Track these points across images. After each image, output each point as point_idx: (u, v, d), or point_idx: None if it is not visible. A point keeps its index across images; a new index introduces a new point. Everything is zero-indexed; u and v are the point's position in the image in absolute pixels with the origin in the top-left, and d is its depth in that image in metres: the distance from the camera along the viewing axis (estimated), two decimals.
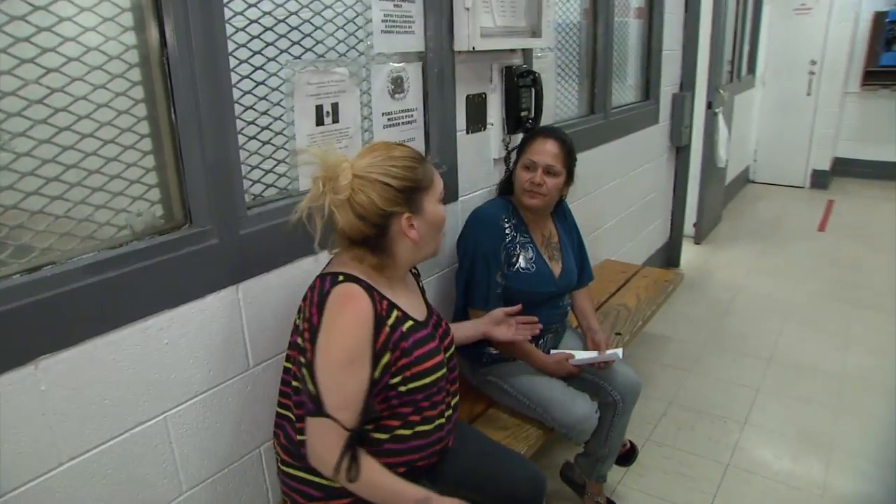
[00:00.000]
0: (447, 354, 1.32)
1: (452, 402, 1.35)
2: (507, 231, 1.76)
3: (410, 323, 1.21)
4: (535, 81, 2.00)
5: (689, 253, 4.31)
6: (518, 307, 1.58)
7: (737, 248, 4.49)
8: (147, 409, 1.16)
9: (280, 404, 1.26)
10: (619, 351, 1.80)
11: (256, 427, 1.39)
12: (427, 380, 1.21)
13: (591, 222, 2.92)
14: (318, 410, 1.08)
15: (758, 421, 2.45)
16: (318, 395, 1.08)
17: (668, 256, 4.11)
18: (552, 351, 1.87)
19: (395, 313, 1.18)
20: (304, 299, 1.17)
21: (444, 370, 1.27)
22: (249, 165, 1.37)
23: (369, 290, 1.15)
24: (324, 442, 1.10)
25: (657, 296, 2.64)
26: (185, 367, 1.21)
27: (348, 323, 1.10)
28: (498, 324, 1.58)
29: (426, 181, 1.18)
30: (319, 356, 1.09)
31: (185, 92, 1.14)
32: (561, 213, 1.96)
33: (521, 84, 2.00)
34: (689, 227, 4.40)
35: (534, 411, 1.74)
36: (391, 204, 1.13)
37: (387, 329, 1.15)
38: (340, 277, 1.14)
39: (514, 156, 1.89)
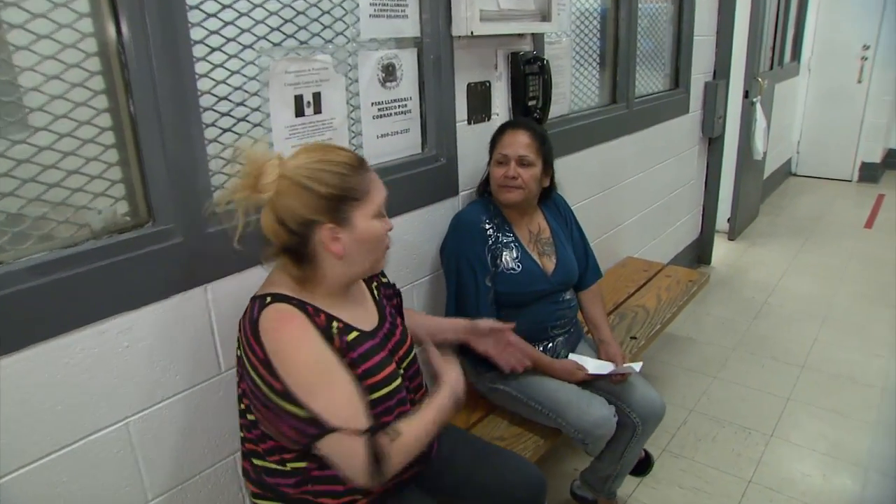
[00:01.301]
0: (405, 363, 1.23)
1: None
2: (488, 233, 1.66)
3: (355, 334, 1.12)
4: (543, 69, 1.88)
5: (722, 249, 4.10)
6: (510, 325, 1.46)
7: (774, 245, 4.25)
8: (106, 414, 1.11)
9: (244, 438, 1.17)
10: (638, 365, 1.68)
11: (230, 433, 1.33)
12: (381, 392, 1.13)
13: (612, 218, 2.78)
14: (322, 429, 1.00)
15: (786, 434, 2.28)
16: (313, 416, 1.00)
17: (699, 253, 3.91)
18: (570, 356, 1.77)
19: (334, 325, 1.10)
20: (240, 327, 1.08)
21: (399, 381, 1.18)
22: (224, 159, 1.30)
23: (301, 305, 1.07)
24: (349, 457, 1.00)
25: (679, 297, 2.49)
26: (148, 370, 1.16)
27: (295, 339, 1.03)
28: (482, 335, 1.45)
29: (359, 192, 1.06)
30: (289, 382, 1.00)
31: (142, 83, 1.07)
32: (552, 205, 1.85)
33: (528, 71, 1.88)
34: (722, 223, 4.19)
35: (546, 416, 1.64)
36: (313, 211, 1.03)
37: (335, 336, 1.08)
38: (268, 299, 1.06)
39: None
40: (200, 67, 1.22)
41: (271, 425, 1.06)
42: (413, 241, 1.71)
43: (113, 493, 1.14)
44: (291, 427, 1.01)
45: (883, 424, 2.32)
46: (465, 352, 1.80)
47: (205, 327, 1.24)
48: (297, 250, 1.07)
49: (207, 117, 1.25)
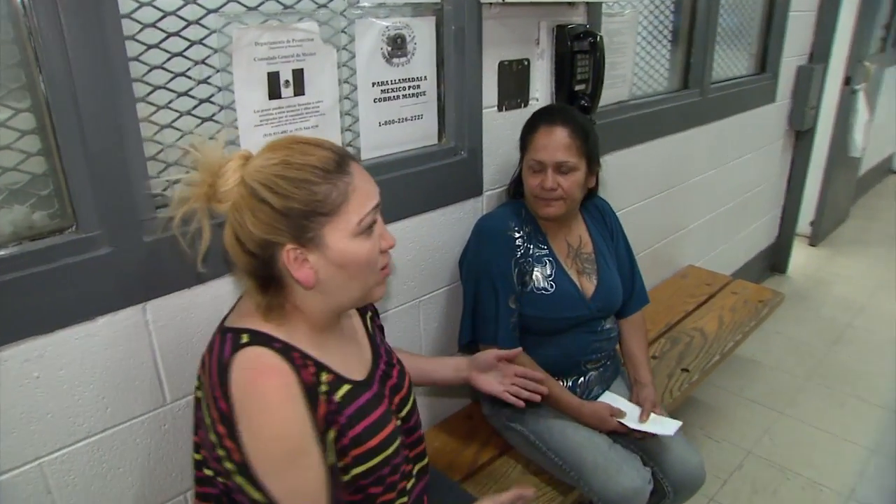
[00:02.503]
0: (404, 411, 0.98)
1: (415, 470, 1.02)
2: (517, 243, 1.37)
3: (346, 388, 0.87)
4: (595, 46, 1.54)
5: (801, 257, 3.62)
6: (516, 351, 1.17)
7: (864, 255, 3.72)
8: (11, 455, 0.93)
9: (199, 493, 0.93)
10: (675, 425, 1.37)
11: (180, 470, 1.13)
12: (375, 461, 0.88)
13: (674, 221, 2.42)
14: None
15: (869, 498, 1.91)
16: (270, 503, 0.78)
17: (774, 260, 3.46)
18: (601, 398, 1.48)
19: (323, 377, 0.85)
20: (203, 363, 0.85)
21: (398, 442, 0.93)
22: (182, 149, 1.08)
23: (287, 351, 0.82)
24: None
25: (746, 321, 2.13)
26: (67, 403, 0.96)
27: (272, 404, 0.78)
28: (485, 370, 1.18)
29: (329, 204, 0.79)
30: (253, 457, 0.76)
31: (51, 55, 0.85)
32: (595, 211, 1.54)
33: (576, 49, 1.55)
34: (803, 226, 3.70)
35: (566, 474, 1.37)
36: (269, 230, 0.78)
37: (322, 399, 0.83)
38: (244, 337, 0.81)
39: None
40: (150, 36, 0.99)
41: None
42: (420, 249, 1.45)
43: None
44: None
45: None
46: None
47: (144, 352, 1.03)
48: (261, 277, 0.83)
49: (161, 97, 1.02)
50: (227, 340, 0.81)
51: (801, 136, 3.20)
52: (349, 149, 1.28)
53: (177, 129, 1.05)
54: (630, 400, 1.47)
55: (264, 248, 0.79)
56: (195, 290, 1.06)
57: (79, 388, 0.97)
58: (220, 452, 0.78)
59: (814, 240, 3.82)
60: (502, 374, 1.20)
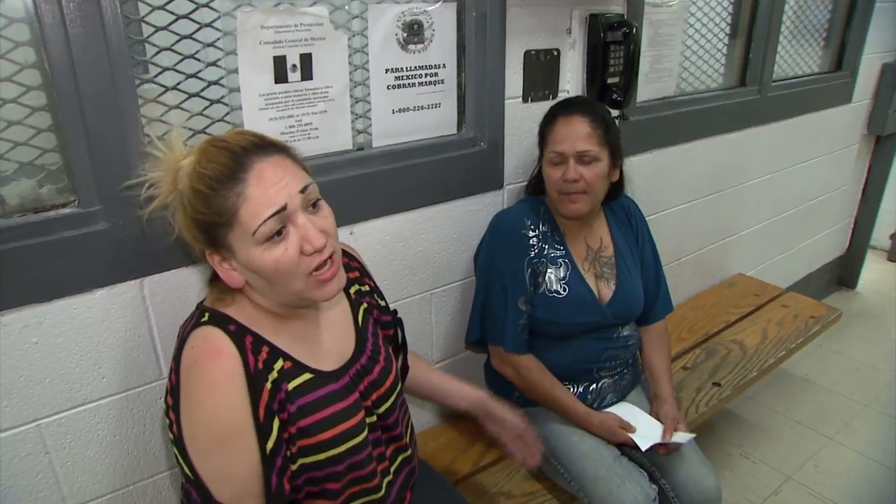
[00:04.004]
0: (382, 408, 0.96)
1: (393, 467, 1.00)
2: (531, 242, 1.32)
3: (305, 378, 0.86)
4: (629, 37, 1.46)
5: (875, 272, 3.33)
6: (527, 428, 1.17)
7: None
8: (10, 415, 0.98)
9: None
10: (687, 436, 1.30)
11: None
12: (326, 454, 0.87)
13: (722, 226, 2.28)
14: (207, 500, 0.79)
15: None
16: (199, 482, 0.78)
17: (841, 274, 3.20)
18: (610, 408, 1.41)
19: (279, 365, 0.84)
20: (178, 335, 0.87)
21: (360, 438, 0.90)
22: (191, 130, 1.10)
23: (241, 334, 0.82)
24: None
25: (792, 336, 1.97)
26: (64, 370, 1.00)
27: (210, 387, 0.78)
28: (493, 419, 1.17)
29: (225, 215, 0.76)
30: (186, 432, 0.78)
31: (53, 36, 0.88)
32: (620, 212, 1.46)
33: (610, 39, 1.47)
34: (881, 239, 3.41)
35: (567, 483, 1.32)
36: (189, 235, 0.81)
37: (268, 386, 0.82)
38: (205, 316, 0.83)
39: None
40: (160, 18, 1.01)
41: None
42: (433, 240, 1.42)
43: (24, 497, 1.02)
44: (182, 476, 0.81)
45: None
46: (490, 378, 1.51)
47: (141, 326, 1.06)
48: (209, 267, 0.85)
49: (169, 79, 1.05)
50: (194, 317, 0.84)
51: (881, 142, 2.94)
52: (361, 136, 1.27)
53: (185, 110, 1.07)
54: (649, 414, 1.40)
55: (194, 248, 0.82)
56: (192, 269, 1.08)
57: (76, 357, 1.01)
58: (166, 421, 0.81)
59: (893, 255, 3.52)
60: (509, 430, 1.17)
